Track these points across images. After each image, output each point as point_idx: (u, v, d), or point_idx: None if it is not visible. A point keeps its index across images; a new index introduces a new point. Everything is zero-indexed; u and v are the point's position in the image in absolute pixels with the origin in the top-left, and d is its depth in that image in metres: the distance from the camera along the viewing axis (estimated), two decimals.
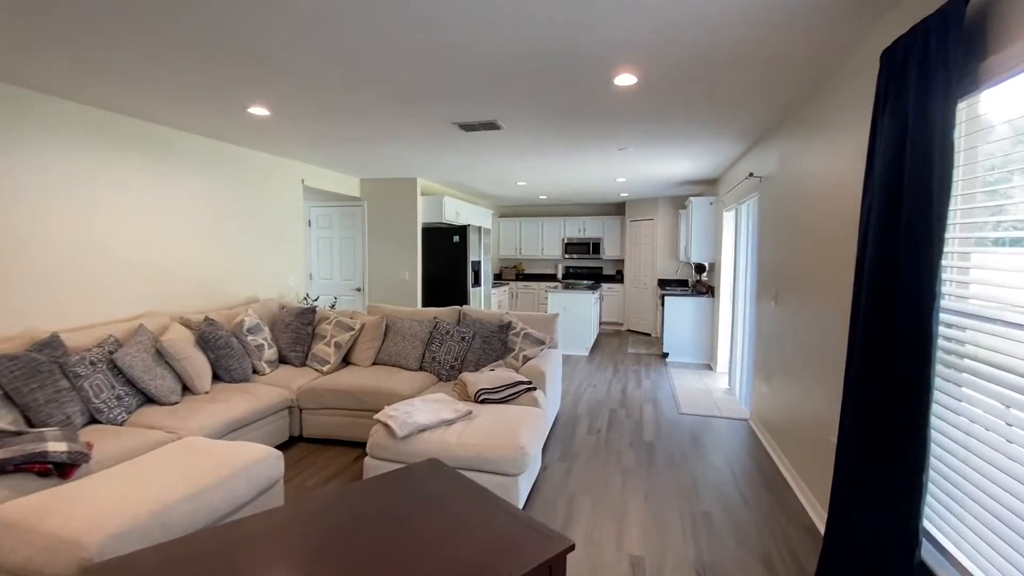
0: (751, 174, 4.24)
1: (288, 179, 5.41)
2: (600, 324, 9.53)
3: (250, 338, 3.97)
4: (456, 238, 6.61)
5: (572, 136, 4.17)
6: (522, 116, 3.59)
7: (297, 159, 5.39)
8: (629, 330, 9.42)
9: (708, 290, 6.77)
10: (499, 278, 10.32)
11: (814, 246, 2.90)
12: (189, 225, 4.20)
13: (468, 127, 3.85)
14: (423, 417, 2.86)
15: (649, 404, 4.82)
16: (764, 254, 4.04)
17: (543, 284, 9.92)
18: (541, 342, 3.99)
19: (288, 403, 3.71)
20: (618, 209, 10.06)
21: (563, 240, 10.04)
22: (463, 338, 4.06)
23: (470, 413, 3.00)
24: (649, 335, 8.87)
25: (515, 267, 10.47)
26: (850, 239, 2.41)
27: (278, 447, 3.72)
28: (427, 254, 6.78)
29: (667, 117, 3.58)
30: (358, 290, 6.92)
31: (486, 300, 7.44)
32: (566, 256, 10.02)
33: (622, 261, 10.03)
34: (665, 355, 6.94)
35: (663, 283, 8.65)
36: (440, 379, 4.03)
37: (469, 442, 2.72)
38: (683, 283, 8.56)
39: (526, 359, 3.90)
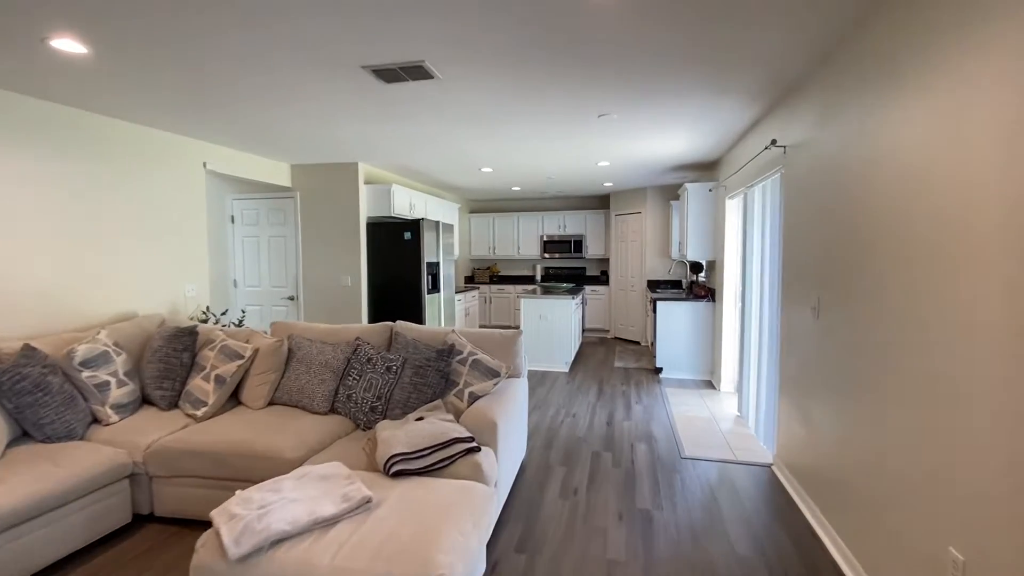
0: (773, 142, 3.21)
1: (183, 161, 4.26)
2: (583, 332, 8.49)
3: (86, 374, 2.83)
4: (408, 235, 5.50)
5: (535, 90, 3.10)
6: (459, 55, 2.51)
7: (193, 135, 4.24)
8: (616, 338, 8.39)
9: (707, 293, 5.75)
10: (471, 281, 9.23)
11: (897, 237, 1.86)
12: (19, 219, 3.05)
13: (387, 74, 2.76)
14: (284, 516, 1.76)
15: (643, 443, 3.76)
16: (792, 249, 3.01)
17: (520, 287, 8.84)
18: (494, 373, 2.91)
19: (128, 470, 2.58)
20: (602, 203, 9.02)
21: (541, 238, 8.98)
22: (389, 368, 2.96)
23: (368, 502, 1.90)
24: (639, 344, 7.85)
25: (489, 269, 9.39)
26: (989, 221, 1.36)
27: (113, 534, 2.58)
28: (374, 255, 5.67)
29: (659, 58, 2.52)
30: (291, 299, 5.77)
31: (447, 309, 6.34)
32: (545, 256, 8.96)
33: (607, 260, 9.00)
34: (658, 370, 5.90)
35: (653, 285, 7.62)
36: (358, 426, 2.93)
37: (351, 566, 1.62)
38: (676, 284, 7.54)
39: (473, 397, 2.82)
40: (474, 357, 2.95)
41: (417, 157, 5.21)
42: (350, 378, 3.04)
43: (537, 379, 5.65)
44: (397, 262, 5.58)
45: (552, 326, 6.03)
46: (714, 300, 5.58)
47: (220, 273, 5.87)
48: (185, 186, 4.28)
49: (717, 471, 3.28)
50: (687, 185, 5.60)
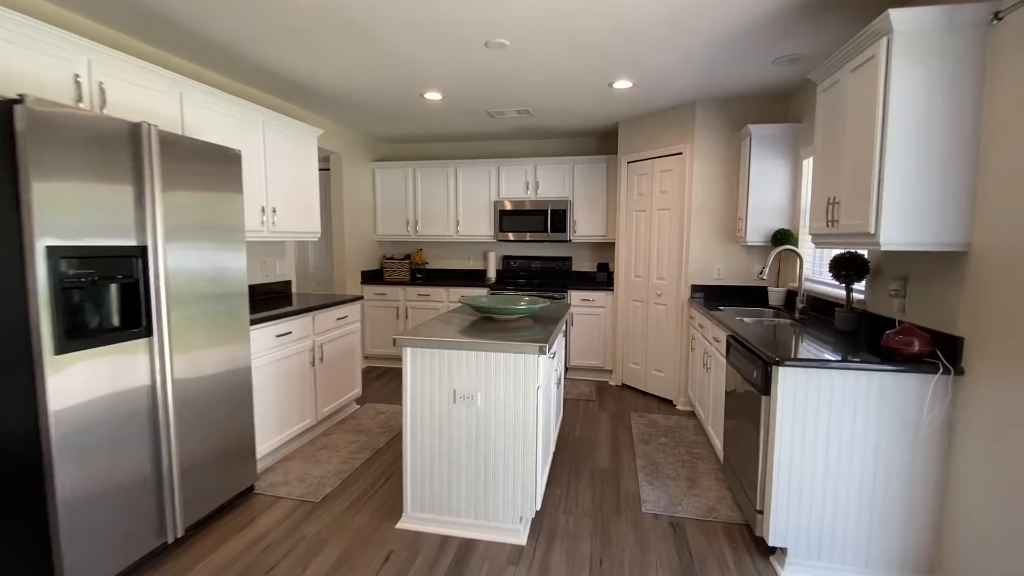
0: None
1: None
2: (566, 373, 4.77)
3: None
4: None
5: None
6: None
7: None
8: (625, 386, 4.67)
9: (929, 350, 1.99)
10: (377, 279, 5.39)
11: None
12: None
13: None
14: None
15: None
16: None
17: (461, 290, 5.06)
18: None
19: None
20: (603, 143, 5.23)
21: (496, 205, 5.16)
22: None
23: None
24: (671, 405, 4.14)
25: (409, 258, 5.55)
26: None
27: None
28: None
29: None
30: None
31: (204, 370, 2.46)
32: (505, 236, 5.15)
33: (611, 246, 5.24)
34: (767, 550, 2.20)
35: (703, 294, 3.91)
36: None
37: None
38: (757, 297, 3.86)
39: None
40: None
41: None
42: None
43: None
44: None
45: (489, 423, 2.26)
46: (956, 371, 1.86)
47: None
48: None
49: None
50: (892, 15, 1.81)
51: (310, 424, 3.27)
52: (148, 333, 2.02)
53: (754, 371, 2.24)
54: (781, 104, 3.76)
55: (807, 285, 3.28)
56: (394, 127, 4.83)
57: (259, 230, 3.15)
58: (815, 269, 3.32)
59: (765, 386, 2.11)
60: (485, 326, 2.54)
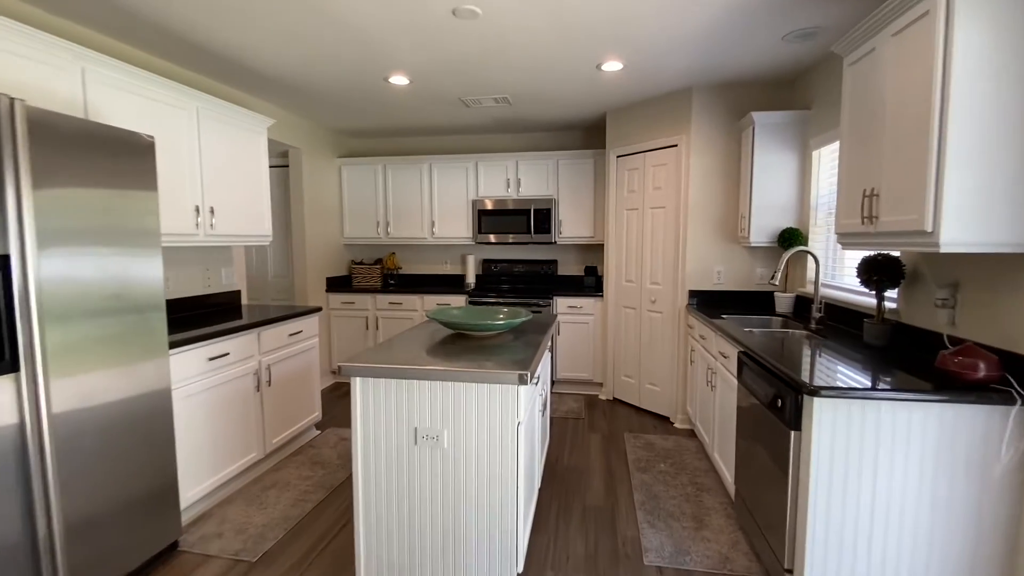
0: None
1: None
2: (552, 387, 4.38)
3: None
4: None
5: None
6: None
7: None
8: (617, 400, 4.28)
9: (997, 373, 1.63)
10: (345, 286, 4.94)
11: None
12: None
13: None
14: None
15: None
16: None
17: (436, 297, 4.63)
18: None
19: None
20: (590, 137, 4.85)
21: (473, 205, 4.74)
22: None
23: None
24: (668, 422, 3.76)
25: (380, 263, 5.10)
26: None
27: None
28: None
29: None
30: None
31: None
32: (482, 237, 4.74)
33: (599, 248, 4.86)
34: None
35: (701, 299, 3.55)
36: None
37: None
38: (760, 303, 3.50)
39: None
40: None
41: None
42: None
43: None
44: None
45: (459, 468, 1.84)
46: None
47: None
48: None
49: None
50: None
51: (256, 459, 2.81)
52: (14, 367, 1.56)
53: (778, 399, 1.86)
54: (787, 89, 3.41)
55: (823, 291, 2.93)
56: (359, 119, 4.38)
57: (192, 234, 2.69)
58: (829, 273, 2.96)
59: (795, 420, 1.73)
60: (456, 345, 2.13)
